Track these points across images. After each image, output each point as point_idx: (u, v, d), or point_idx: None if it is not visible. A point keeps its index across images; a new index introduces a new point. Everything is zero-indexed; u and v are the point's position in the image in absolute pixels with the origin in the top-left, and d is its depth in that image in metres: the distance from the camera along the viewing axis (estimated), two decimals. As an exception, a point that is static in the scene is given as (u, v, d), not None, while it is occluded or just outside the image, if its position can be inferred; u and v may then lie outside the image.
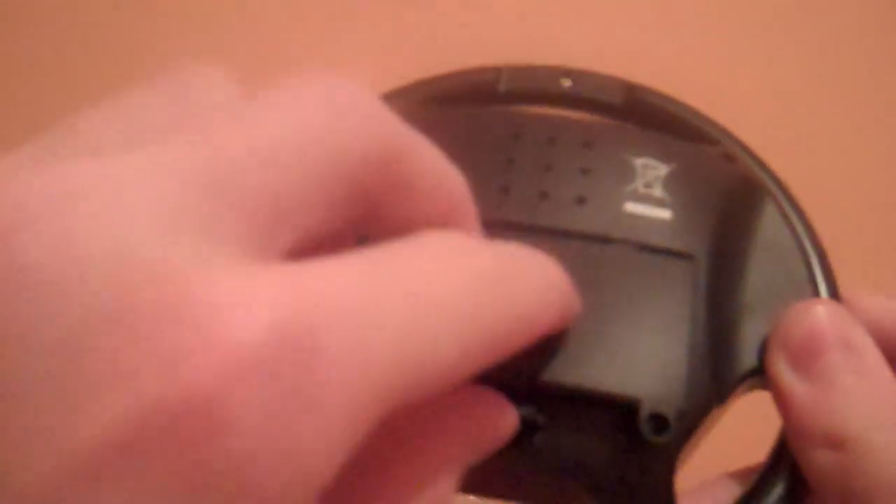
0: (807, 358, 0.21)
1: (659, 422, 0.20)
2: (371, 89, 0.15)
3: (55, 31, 0.60)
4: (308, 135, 0.14)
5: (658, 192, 0.23)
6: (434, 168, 0.16)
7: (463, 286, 0.14)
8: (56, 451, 0.11)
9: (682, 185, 0.23)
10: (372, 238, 0.15)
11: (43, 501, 0.11)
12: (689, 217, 0.23)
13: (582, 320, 0.19)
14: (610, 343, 0.21)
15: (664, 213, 0.22)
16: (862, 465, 0.20)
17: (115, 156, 0.13)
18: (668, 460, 0.21)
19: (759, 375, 0.22)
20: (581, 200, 0.22)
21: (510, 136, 0.23)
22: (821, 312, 0.21)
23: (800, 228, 0.24)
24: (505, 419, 0.19)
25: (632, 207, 0.22)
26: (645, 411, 0.20)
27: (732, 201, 0.23)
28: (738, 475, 0.23)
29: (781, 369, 0.21)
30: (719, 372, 0.21)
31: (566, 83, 0.27)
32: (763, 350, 0.22)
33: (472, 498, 0.22)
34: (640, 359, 0.21)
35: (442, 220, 0.17)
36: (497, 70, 0.28)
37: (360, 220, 0.15)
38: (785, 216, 0.24)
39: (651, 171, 0.23)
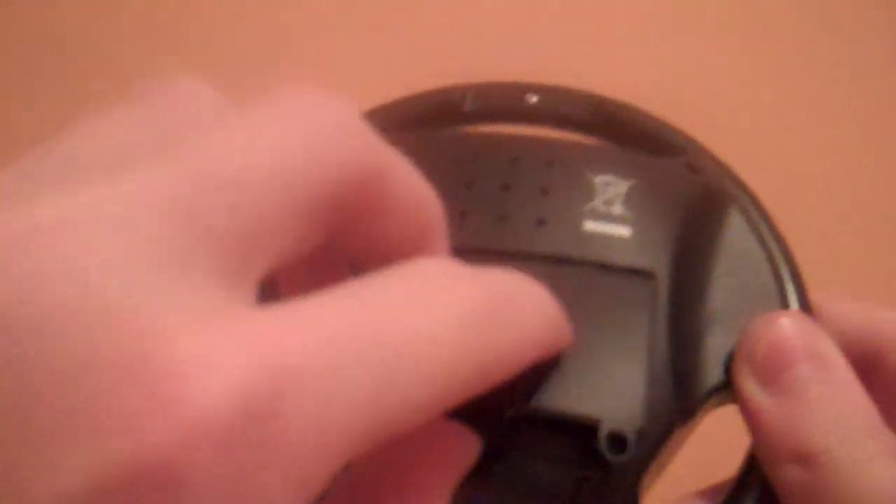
0: (773, 371, 0.21)
1: (617, 441, 0.20)
2: (353, 105, 0.15)
3: (55, 31, 0.61)
4: (287, 156, 0.14)
5: (618, 209, 0.22)
6: (412, 188, 0.16)
7: (448, 325, 0.14)
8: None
9: (642, 201, 0.23)
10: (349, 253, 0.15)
11: None
12: (649, 233, 0.22)
13: None
14: (569, 365, 0.20)
15: (624, 231, 0.22)
16: (830, 480, 0.19)
17: (90, 189, 0.12)
18: (631, 480, 0.20)
19: (727, 390, 0.21)
20: (540, 222, 0.22)
21: (468, 158, 0.23)
22: (786, 324, 0.21)
23: (768, 237, 0.23)
24: (468, 445, 0.19)
25: (591, 226, 0.22)
26: (603, 431, 0.20)
27: (695, 213, 0.23)
28: (708, 493, 0.22)
29: (748, 383, 0.21)
30: (683, 388, 0.21)
31: (532, 99, 0.27)
32: (729, 364, 0.21)
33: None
34: (600, 380, 0.20)
35: (417, 239, 0.17)
36: (462, 89, 0.27)
37: (335, 235, 0.15)
38: (752, 226, 0.23)
39: (611, 188, 0.23)
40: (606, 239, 0.22)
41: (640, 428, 0.20)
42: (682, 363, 0.21)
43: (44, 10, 0.61)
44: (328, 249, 0.16)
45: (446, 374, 0.14)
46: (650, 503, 0.21)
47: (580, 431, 0.20)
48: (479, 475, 0.20)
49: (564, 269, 0.22)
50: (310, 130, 0.14)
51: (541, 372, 0.20)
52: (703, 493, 0.22)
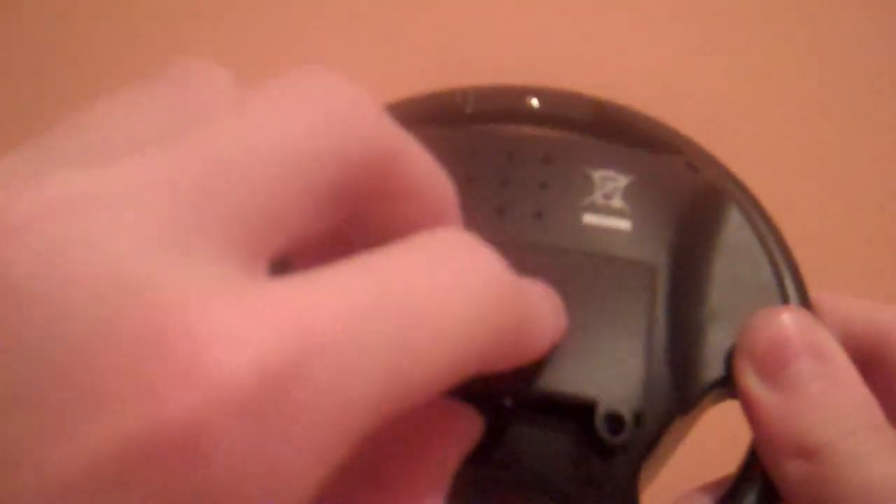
0: (774, 366, 0.21)
1: (615, 421, 0.20)
2: (368, 90, 0.15)
3: (54, 30, 0.61)
4: (302, 137, 0.14)
5: (617, 203, 0.23)
6: (426, 170, 0.16)
7: (468, 294, 0.14)
8: (36, 475, 0.11)
9: (642, 196, 0.23)
10: (363, 237, 0.15)
11: None
12: (649, 227, 0.22)
13: None
14: (567, 350, 0.20)
15: (623, 224, 0.22)
16: (833, 475, 0.19)
17: (108, 166, 0.13)
18: (629, 467, 0.20)
19: (727, 385, 0.21)
20: (539, 215, 0.22)
21: (467, 154, 0.24)
22: (787, 320, 0.21)
23: (767, 235, 0.24)
24: (472, 424, 0.19)
25: (590, 219, 0.22)
26: (601, 411, 0.20)
27: (694, 209, 0.23)
28: (709, 488, 0.22)
29: (749, 379, 0.21)
30: (683, 380, 0.21)
31: (533, 102, 0.27)
32: (730, 359, 0.22)
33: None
34: (598, 364, 0.20)
35: (431, 222, 0.17)
36: (464, 92, 0.28)
37: (349, 219, 0.15)
38: (751, 223, 0.24)
39: (610, 182, 0.23)
40: (606, 231, 0.22)
41: (638, 411, 0.20)
42: (681, 356, 0.21)
43: (51, 10, 0.62)
44: (341, 235, 0.16)
45: (465, 343, 0.14)
46: (651, 501, 0.21)
47: (578, 413, 0.20)
48: (478, 458, 0.20)
49: (563, 259, 0.22)
50: (324, 112, 0.14)
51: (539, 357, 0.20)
52: (704, 489, 0.22)
